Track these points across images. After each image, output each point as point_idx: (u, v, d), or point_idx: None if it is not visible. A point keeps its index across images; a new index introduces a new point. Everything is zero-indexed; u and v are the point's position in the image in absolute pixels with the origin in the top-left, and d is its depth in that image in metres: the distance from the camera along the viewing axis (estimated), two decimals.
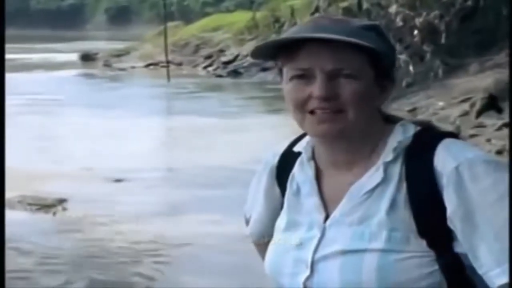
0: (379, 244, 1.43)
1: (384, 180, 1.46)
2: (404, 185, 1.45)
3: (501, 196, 1.39)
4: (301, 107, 1.46)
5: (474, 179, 1.40)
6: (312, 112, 1.45)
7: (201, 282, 6.49)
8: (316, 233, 1.50)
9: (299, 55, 1.45)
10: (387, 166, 1.47)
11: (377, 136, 1.50)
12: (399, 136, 1.48)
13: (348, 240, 1.46)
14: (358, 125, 1.45)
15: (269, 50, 1.48)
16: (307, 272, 1.48)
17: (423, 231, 1.42)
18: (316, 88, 1.43)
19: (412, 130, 1.49)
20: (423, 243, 1.42)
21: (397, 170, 1.46)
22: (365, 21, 1.50)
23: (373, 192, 1.47)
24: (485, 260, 1.39)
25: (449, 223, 1.42)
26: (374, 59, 1.44)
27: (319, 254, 1.48)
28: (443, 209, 1.41)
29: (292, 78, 1.47)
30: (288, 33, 1.48)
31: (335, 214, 1.50)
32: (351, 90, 1.42)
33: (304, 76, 1.45)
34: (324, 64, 1.43)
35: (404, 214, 1.43)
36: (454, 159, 1.42)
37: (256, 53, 1.50)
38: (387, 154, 1.47)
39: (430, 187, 1.42)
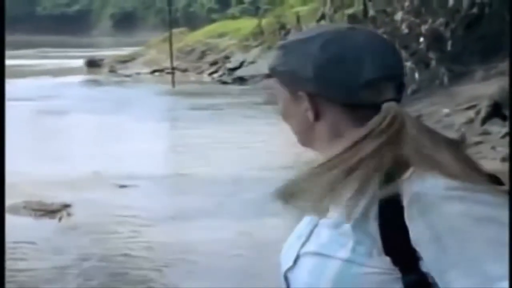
0: (344, 253, 1.40)
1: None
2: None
3: (478, 219, 1.32)
4: None
5: (442, 203, 1.34)
6: None
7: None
8: (309, 229, 1.50)
9: None
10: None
11: None
12: None
13: (321, 243, 1.45)
14: (302, 139, 1.54)
15: None
16: (291, 263, 1.50)
17: (388, 249, 1.37)
18: None
19: None
20: (387, 259, 1.38)
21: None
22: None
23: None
24: (459, 285, 1.31)
25: (413, 245, 1.36)
26: (281, 79, 1.54)
27: (303, 250, 1.49)
28: (406, 230, 1.36)
29: None
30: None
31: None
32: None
33: None
34: None
35: (372, 228, 1.39)
36: (421, 181, 1.36)
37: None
38: None
39: (395, 204, 1.37)
